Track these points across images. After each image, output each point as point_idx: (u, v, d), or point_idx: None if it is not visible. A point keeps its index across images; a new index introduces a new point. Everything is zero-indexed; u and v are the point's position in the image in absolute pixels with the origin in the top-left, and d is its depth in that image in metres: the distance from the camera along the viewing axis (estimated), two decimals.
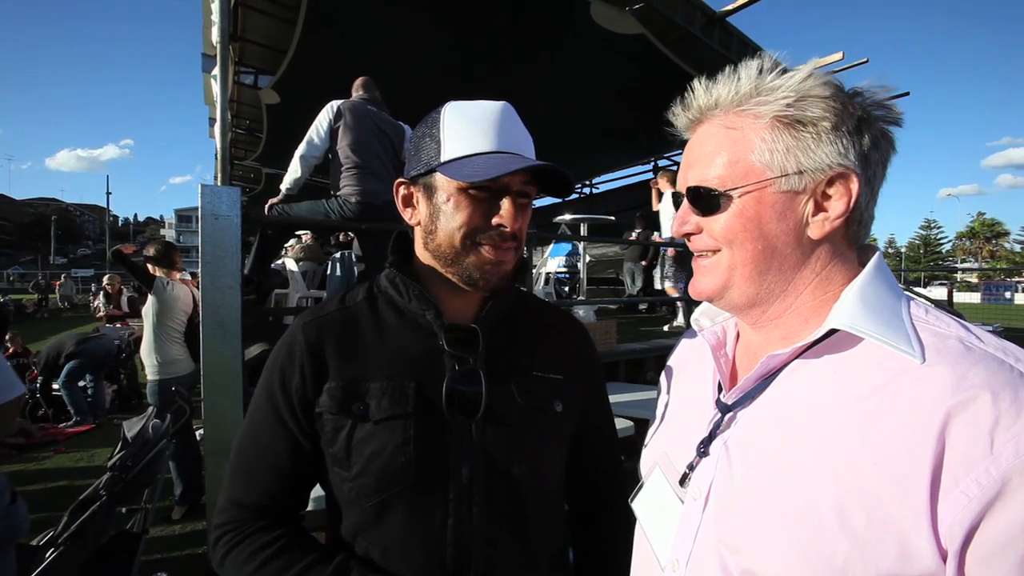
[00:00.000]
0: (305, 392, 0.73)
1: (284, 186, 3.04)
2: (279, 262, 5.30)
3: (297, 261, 5.25)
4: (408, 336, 0.76)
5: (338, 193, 3.05)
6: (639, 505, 0.71)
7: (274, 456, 0.74)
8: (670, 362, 0.82)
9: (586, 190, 12.25)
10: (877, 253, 0.58)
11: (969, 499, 0.41)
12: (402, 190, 0.78)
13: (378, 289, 0.82)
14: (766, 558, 0.50)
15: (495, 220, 0.71)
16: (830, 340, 0.54)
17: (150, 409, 2.60)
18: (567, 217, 6.35)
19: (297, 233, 5.60)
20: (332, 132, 3.02)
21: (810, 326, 0.57)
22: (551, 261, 7.32)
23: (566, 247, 7.66)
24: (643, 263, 6.97)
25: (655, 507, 0.68)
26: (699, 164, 0.59)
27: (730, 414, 0.61)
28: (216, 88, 3.03)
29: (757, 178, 0.55)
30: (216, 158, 2.81)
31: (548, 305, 0.92)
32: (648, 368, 4.03)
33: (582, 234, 6.02)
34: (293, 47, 4.86)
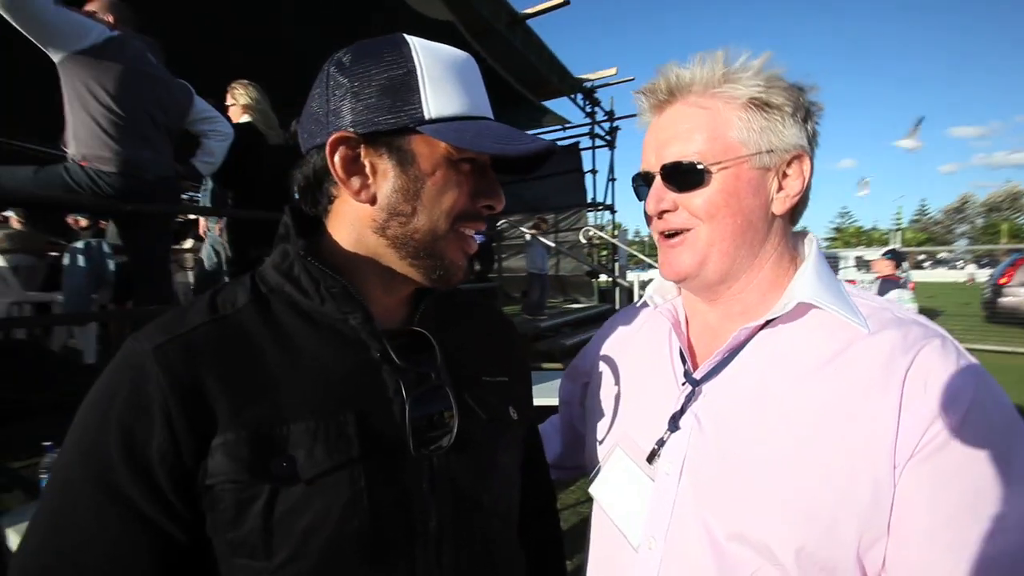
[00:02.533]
0: (179, 456, 0.49)
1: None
2: None
3: (2, 253, 3.80)
4: (327, 350, 0.57)
5: (85, 160, 2.27)
6: (598, 490, 0.70)
7: (119, 572, 0.48)
8: (605, 350, 0.82)
9: None
10: (813, 236, 0.67)
11: (915, 428, 0.50)
12: (343, 150, 0.55)
13: (267, 288, 0.59)
14: (755, 519, 0.54)
15: (485, 200, 0.59)
16: (789, 313, 0.60)
17: None
18: None
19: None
20: (81, 52, 2.16)
21: (767, 300, 0.63)
22: None
23: None
24: None
25: (619, 489, 0.67)
26: (676, 141, 0.61)
27: (697, 388, 0.63)
28: None
29: (736, 154, 0.59)
30: None
31: (473, 298, 0.82)
32: None
33: None
34: None
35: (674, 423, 0.63)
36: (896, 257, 6.03)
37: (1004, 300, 9.53)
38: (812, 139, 0.62)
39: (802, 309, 0.60)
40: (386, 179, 0.56)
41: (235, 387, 0.52)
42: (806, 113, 0.61)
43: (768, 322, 0.61)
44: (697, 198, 0.60)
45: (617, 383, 0.76)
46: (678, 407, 0.64)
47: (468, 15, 5.04)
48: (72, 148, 2.28)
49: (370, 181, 0.57)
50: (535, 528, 0.80)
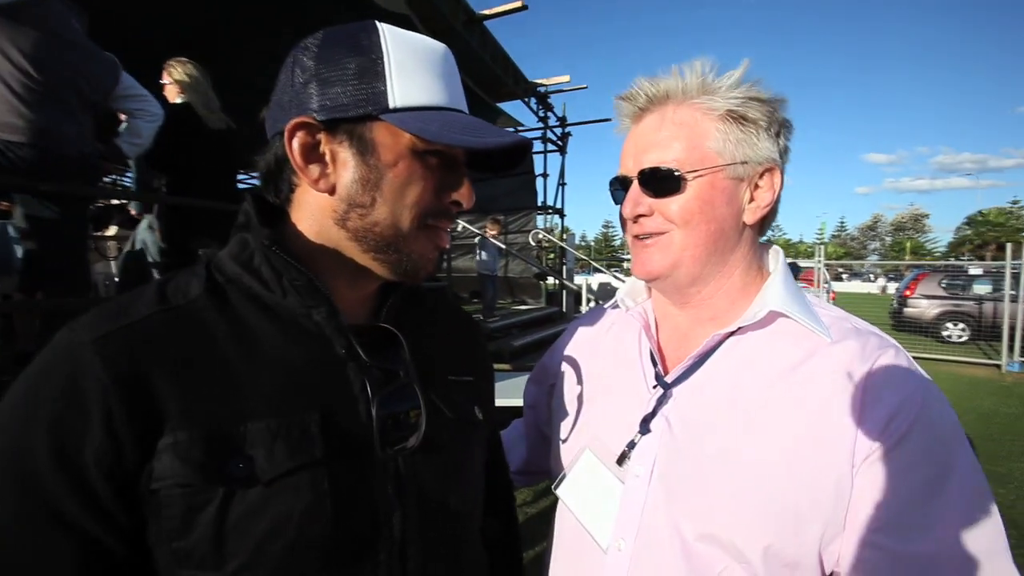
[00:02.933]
0: (119, 458, 0.44)
1: None
2: None
3: None
4: (288, 345, 0.53)
5: None
6: (566, 492, 0.70)
7: None
8: (569, 350, 0.82)
9: None
10: (779, 248, 0.69)
11: (870, 432, 0.53)
12: (301, 135, 0.53)
13: (224, 277, 0.55)
14: (724, 519, 0.56)
15: (454, 196, 0.57)
16: (756, 322, 0.62)
17: None
18: None
19: None
20: None
21: (736, 307, 0.65)
22: None
23: None
24: None
25: (588, 491, 0.67)
26: (655, 148, 0.62)
27: (667, 391, 0.64)
28: None
29: (712, 163, 0.60)
30: None
31: (437, 296, 0.80)
32: None
33: None
34: None
35: (645, 425, 0.64)
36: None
37: (908, 310, 10.56)
38: (783, 154, 0.64)
39: (770, 317, 0.62)
40: (346, 168, 0.54)
41: (187, 383, 0.48)
42: (779, 128, 0.63)
43: (737, 328, 0.63)
44: (673, 204, 0.61)
45: (585, 384, 0.76)
46: (649, 409, 0.65)
47: (426, 10, 4.96)
48: None
49: (329, 170, 0.54)
50: (494, 528, 0.78)
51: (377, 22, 0.54)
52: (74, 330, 0.47)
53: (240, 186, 3.80)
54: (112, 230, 4.76)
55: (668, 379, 0.65)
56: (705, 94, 0.61)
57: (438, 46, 0.56)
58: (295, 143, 0.53)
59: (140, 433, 0.45)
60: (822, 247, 10.67)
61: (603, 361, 0.77)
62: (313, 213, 0.56)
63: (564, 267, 8.39)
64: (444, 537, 0.58)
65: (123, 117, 2.50)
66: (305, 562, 0.48)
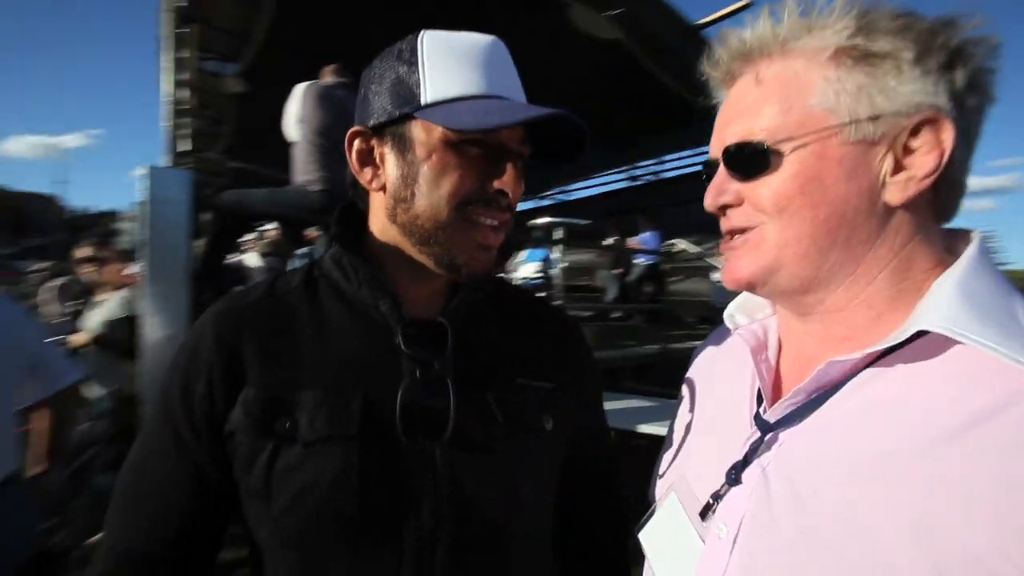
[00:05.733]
0: (212, 403, 0.58)
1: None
2: (236, 258, 5.00)
3: (263, 256, 4.96)
4: (357, 333, 0.61)
5: (298, 182, 2.85)
6: (647, 538, 0.59)
7: (170, 490, 0.58)
8: (691, 371, 0.69)
9: (561, 196, 12.26)
10: (979, 237, 0.46)
11: None
12: (357, 143, 0.60)
13: (320, 272, 0.66)
14: None
15: (496, 184, 0.56)
16: (914, 345, 0.42)
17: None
18: (541, 221, 6.23)
19: (261, 228, 5.30)
20: (300, 120, 2.82)
21: (884, 323, 0.45)
22: (525, 267, 7.15)
23: (541, 253, 7.53)
24: (616, 271, 6.88)
25: (668, 543, 0.56)
26: (741, 118, 0.48)
27: (772, 434, 0.49)
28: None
29: (818, 126, 0.44)
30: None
31: (533, 297, 0.79)
32: (623, 376, 3.96)
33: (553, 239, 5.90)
34: (260, 33, 4.63)
35: (735, 475, 0.50)
36: None
37: None
38: (963, 95, 0.42)
39: (936, 341, 0.41)
40: (391, 166, 0.59)
41: (266, 355, 0.59)
42: (950, 58, 0.42)
43: (884, 354, 0.43)
44: (764, 187, 0.46)
45: (691, 416, 0.63)
46: (741, 456, 0.50)
47: (637, 31, 4.94)
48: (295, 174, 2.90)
49: (380, 171, 0.60)
50: (595, 559, 0.74)
51: (425, 30, 0.58)
52: (214, 306, 0.64)
53: None
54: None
55: (769, 418, 0.49)
56: (807, 33, 0.45)
57: (481, 39, 0.58)
58: (353, 151, 0.61)
59: (228, 386, 0.58)
60: None
61: (711, 389, 0.63)
62: (376, 213, 0.64)
63: None
64: (483, 544, 0.57)
65: None
66: (332, 522, 0.54)
